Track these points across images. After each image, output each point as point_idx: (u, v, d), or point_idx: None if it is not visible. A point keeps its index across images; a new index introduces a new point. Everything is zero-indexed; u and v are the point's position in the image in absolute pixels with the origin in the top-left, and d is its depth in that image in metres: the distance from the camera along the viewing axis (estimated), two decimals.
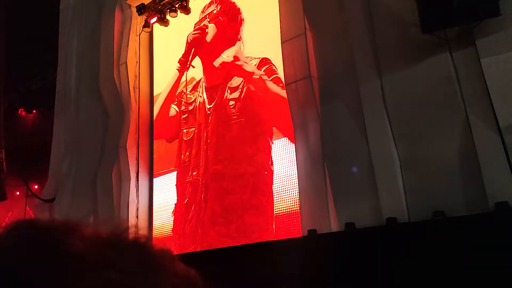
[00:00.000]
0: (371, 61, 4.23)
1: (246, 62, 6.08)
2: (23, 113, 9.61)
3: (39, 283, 0.33)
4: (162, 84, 7.17)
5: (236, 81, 6.14)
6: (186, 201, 6.29)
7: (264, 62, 5.89)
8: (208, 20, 6.66)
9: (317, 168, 4.57)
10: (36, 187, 8.90)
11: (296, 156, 4.87)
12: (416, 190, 3.84)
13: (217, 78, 6.41)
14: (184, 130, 6.60)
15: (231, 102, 6.08)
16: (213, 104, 6.35)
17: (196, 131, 6.44)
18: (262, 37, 6.00)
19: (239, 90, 6.04)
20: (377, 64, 4.20)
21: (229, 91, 6.17)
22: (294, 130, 4.90)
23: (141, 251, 0.42)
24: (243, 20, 6.32)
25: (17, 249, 0.36)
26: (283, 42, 5.13)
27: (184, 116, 6.69)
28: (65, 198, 7.10)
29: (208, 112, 6.37)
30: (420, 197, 3.77)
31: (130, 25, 7.04)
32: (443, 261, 3.26)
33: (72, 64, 7.65)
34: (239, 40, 6.27)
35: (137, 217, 6.49)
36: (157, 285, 0.38)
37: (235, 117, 5.98)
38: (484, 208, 3.41)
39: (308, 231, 4.40)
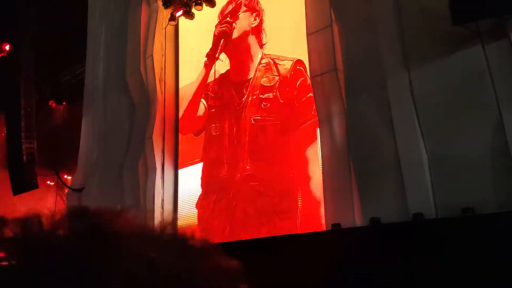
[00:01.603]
0: (399, 54, 4.14)
1: (280, 61, 6.05)
2: (54, 105, 9.89)
3: (91, 261, 0.37)
4: (187, 77, 7.24)
5: (270, 80, 6.11)
6: (214, 197, 6.35)
7: (298, 63, 5.84)
8: (230, 17, 6.66)
9: (342, 162, 4.53)
10: (66, 176, 9.19)
11: (321, 150, 4.85)
12: (445, 187, 3.76)
13: (246, 74, 6.41)
14: (213, 125, 6.65)
15: (264, 103, 6.05)
16: (243, 100, 6.34)
17: (226, 126, 6.47)
18: (284, 30, 5.97)
19: (274, 90, 6.01)
20: (405, 57, 4.10)
21: (262, 89, 6.15)
22: (319, 124, 4.87)
23: (181, 238, 0.45)
24: (263, 10, 6.31)
25: (74, 233, 0.40)
26: (308, 35, 5.08)
27: (212, 111, 6.74)
28: (94, 188, 7.30)
29: (238, 108, 6.38)
30: (449, 193, 3.69)
31: (156, 18, 7.11)
32: (472, 258, 3.19)
33: (100, 57, 7.81)
34: (262, 31, 6.26)
35: (162, 207, 6.61)
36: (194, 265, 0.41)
37: (270, 118, 5.95)
38: None
39: (332, 225, 4.39)
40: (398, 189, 4.03)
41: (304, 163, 5.43)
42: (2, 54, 10.82)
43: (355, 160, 4.42)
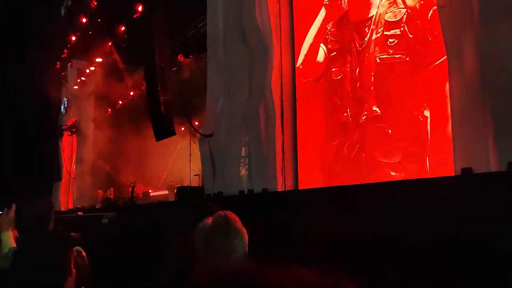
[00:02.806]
0: None
1: None
2: (182, 58, 10.71)
3: None
4: (302, 21, 7.10)
5: (395, 14, 5.65)
6: (336, 141, 6.37)
7: None
8: None
9: (475, 100, 4.07)
10: (196, 123, 10.10)
11: (450, 87, 4.42)
12: None
13: (366, 12, 6.02)
14: (333, 69, 6.51)
15: (390, 40, 5.67)
16: (365, 40, 6.02)
17: (348, 69, 6.29)
18: None
19: (401, 25, 5.56)
20: None
21: (386, 26, 5.74)
22: (447, 59, 4.41)
23: None
24: None
25: None
26: None
27: (332, 54, 6.57)
28: (221, 133, 7.89)
29: (360, 48, 6.10)
30: None
31: None
32: None
33: (218, 8, 8.09)
34: None
35: (283, 151, 6.88)
36: None
37: (397, 56, 5.59)
38: None
39: (462, 169, 4.06)
40: None
41: (436, 103, 5.05)
42: (136, 15, 11.96)
43: (491, 97, 3.93)
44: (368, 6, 5.98)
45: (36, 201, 2.90)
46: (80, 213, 10.86)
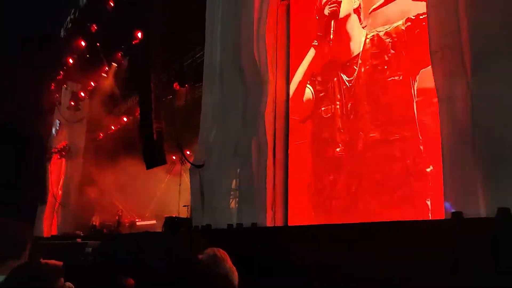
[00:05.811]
0: None
1: (389, 26, 5.76)
2: (177, 87, 10.78)
3: None
4: (297, 58, 7.24)
5: (382, 45, 5.87)
6: (331, 177, 6.34)
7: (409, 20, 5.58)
8: None
9: (466, 145, 4.10)
10: (188, 153, 10.06)
11: (441, 131, 4.46)
12: None
13: (352, 50, 6.20)
14: (323, 108, 6.61)
15: (380, 66, 5.85)
16: (354, 76, 6.17)
17: (338, 107, 6.39)
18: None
19: (389, 51, 5.77)
20: None
21: (375, 56, 5.94)
22: (439, 104, 4.47)
23: None
24: None
25: None
26: (428, 3, 4.64)
27: (320, 95, 6.70)
28: (212, 163, 7.83)
29: (349, 85, 6.23)
30: None
31: None
32: None
33: (217, 40, 8.23)
34: (361, 11, 6.00)
35: (273, 185, 6.84)
36: None
37: (389, 78, 5.71)
38: None
39: (452, 213, 4.04)
40: None
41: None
42: (135, 41, 12.12)
43: (481, 143, 3.97)
44: (353, 45, 6.17)
45: (11, 225, 2.45)
46: (79, 240, 10.40)
